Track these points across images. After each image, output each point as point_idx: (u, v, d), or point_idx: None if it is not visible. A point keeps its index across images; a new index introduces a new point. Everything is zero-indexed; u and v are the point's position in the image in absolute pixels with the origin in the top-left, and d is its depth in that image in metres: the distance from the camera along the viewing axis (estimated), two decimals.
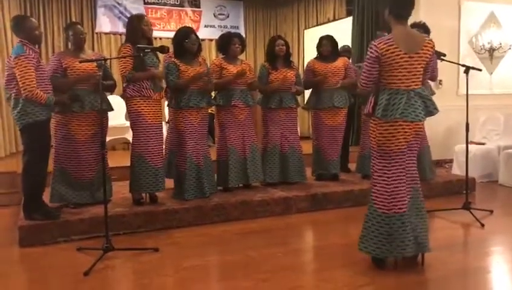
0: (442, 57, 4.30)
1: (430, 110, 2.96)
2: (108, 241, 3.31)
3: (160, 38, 8.68)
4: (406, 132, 2.88)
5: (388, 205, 2.92)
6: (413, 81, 2.90)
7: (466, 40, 7.06)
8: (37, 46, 3.83)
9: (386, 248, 2.92)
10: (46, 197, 3.97)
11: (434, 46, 2.99)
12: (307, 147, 5.50)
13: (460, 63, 4.90)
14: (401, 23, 2.95)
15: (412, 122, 2.88)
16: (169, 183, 4.52)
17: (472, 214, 4.20)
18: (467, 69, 4.28)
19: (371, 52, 2.89)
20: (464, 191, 4.49)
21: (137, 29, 4.13)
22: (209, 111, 4.80)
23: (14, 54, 3.64)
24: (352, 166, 5.74)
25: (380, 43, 2.88)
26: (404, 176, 2.93)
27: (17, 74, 3.61)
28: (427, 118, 3.00)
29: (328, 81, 5.05)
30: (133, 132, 4.23)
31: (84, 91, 4.05)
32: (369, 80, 2.93)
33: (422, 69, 2.93)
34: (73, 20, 8.26)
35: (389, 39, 2.88)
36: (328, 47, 5.14)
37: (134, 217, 3.98)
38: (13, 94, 3.70)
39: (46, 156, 3.85)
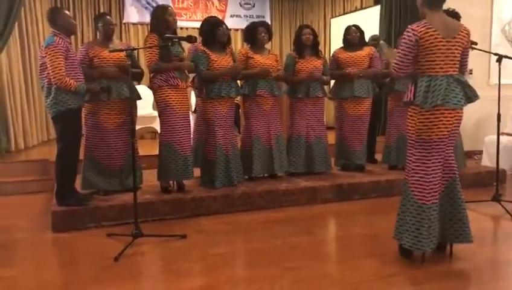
0: (473, 46, 4.19)
1: (470, 96, 2.87)
2: (138, 228, 3.39)
3: (187, 28, 8.74)
4: (448, 120, 2.80)
5: (428, 196, 2.86)
6: (451, 67, 2.84)
7: (498, 28, 6.85)
8: (69, 37, 3.90)
9: (426, 241, 2.85)
10: (77, 184, 4.08)
11: (469, 33, 2.92)
12: (333, 137, 5.47)
13: (493, 51, 4.77)
14: (435, 11, 2.88)
15: (454, 109, 2.80)
16: (195, 172, 4.56)
17: (502, 206, 4.12)
18: (500, 58, 4.17)
19: (409, 36, 2.81)
20: (494, 183, 4.41)
21: (161, 19, 4.13)
22: (235, 101, 4.82)
23: (45, 44, 3.75)
24: (379, 157, 5.69)
25: (418, 26, 2.81)
26: (442, 165, 2.89)
27: (47, 63, 3.71)
28: None
29: (350, 71, 5.00)
30: (161, 121, 4.28)
31: (112, 80, 4.11)
32: (404, 64, 2.86)
33: (459, 55, 2.87)
34: (102, 10, 8.39)
35: (426, 23, 2.81)
36: (357, 34, 5.09)
37: (163, 205, 4.06)
38: (46, 83, 3.80)
39: (78, 144, 3.95)
